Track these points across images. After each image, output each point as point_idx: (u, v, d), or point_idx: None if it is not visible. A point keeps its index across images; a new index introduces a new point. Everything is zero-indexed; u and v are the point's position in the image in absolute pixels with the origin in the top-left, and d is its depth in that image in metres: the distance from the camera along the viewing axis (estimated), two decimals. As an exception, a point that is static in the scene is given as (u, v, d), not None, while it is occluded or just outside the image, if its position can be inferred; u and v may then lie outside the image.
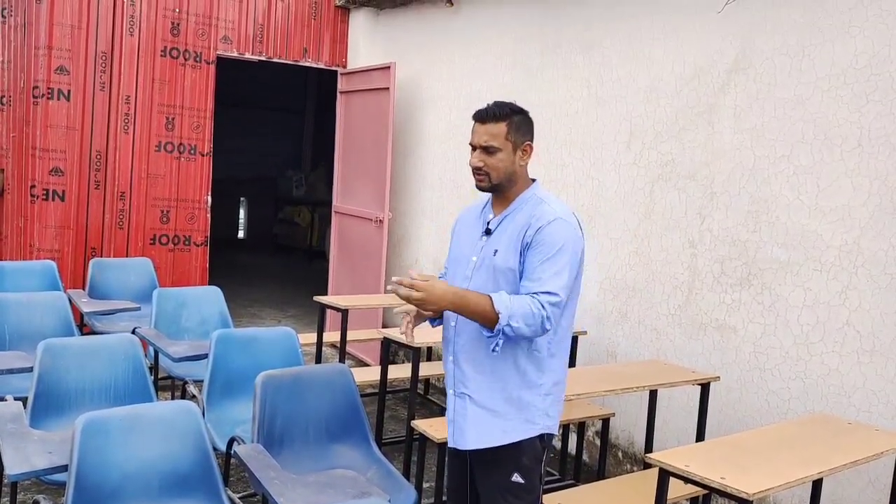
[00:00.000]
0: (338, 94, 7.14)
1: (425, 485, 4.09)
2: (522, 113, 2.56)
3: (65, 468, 2.65)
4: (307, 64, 7.01)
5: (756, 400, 3.92)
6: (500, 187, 2.55)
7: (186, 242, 6.46)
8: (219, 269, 7.51)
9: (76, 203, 6.00)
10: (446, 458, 2.81)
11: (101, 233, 6.12)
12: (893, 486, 3.13)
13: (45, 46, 5.80)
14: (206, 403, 3.76)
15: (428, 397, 5.92)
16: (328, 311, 5.11)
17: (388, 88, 6.32)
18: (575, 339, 4.59)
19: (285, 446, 3.22)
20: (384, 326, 5.95)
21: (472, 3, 5.96)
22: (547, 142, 5.01)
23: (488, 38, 5.77)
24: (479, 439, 2.52)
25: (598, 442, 4.59)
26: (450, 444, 2.63)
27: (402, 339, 2.55)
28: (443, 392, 4.95)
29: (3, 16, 6.19)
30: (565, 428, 4.62)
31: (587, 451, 4.80)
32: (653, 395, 4.01)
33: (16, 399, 3.32)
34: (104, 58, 6.00)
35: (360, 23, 7.06)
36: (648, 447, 4.08)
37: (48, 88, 5.82)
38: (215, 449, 3.16)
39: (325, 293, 6.69)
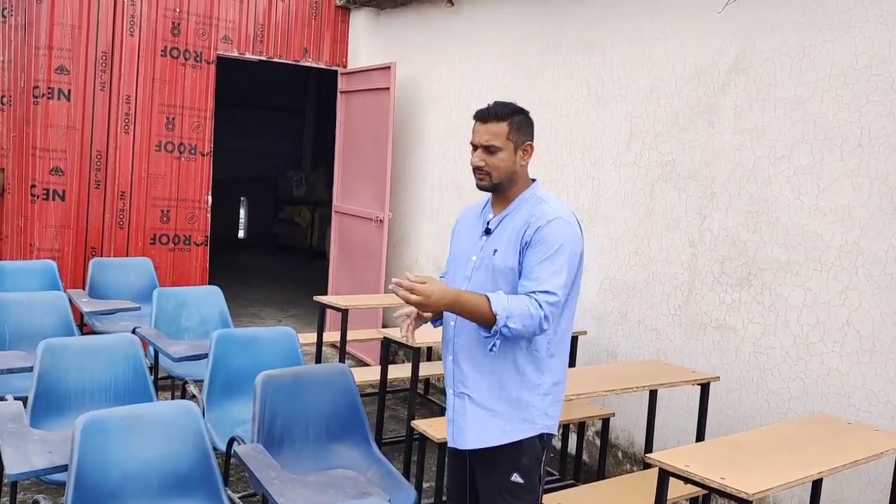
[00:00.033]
0: (338, 94, 7.14)
1: (425, 485, 4.09)
2: (523, 113, 2.56)
3: (65, 468, 2.65)
4: (307, 64, 7.01)
5: (756, 400, 3.92)
6: (501, 187, 2.55)
7: (187, 242, 6.46)
8: (219, 269, 7.51)
9: (76, 203, 6.00)
10: (446, 458, 2.81)
11: (102, 232, 6.12)
12: (893, 486, 3.13)
13: (45, 46, 5.80)
14: (206, 403, 3.76)
15: (428, 397, 5.92)
16: (328, 311, 5.11)
17: (388, 88, 6.32)
18: (575, 339, 4.59)
19: (285, 446, 3.22)
20: (384, 326, 5.95)
21: (472, 3, 5.96)
22: (547, 142, 5.01)
23: (489, 38, 5.77)
24: (478, 439, 2.52)
25: (598, 442, 4.60)
26: (449, 444, 2.63)
27: (403, 339, 2.55)
28: (443, 392, 4.95)
29: (3, 15, 6.19)
30: (565, 428, 4.62)
31: (587, 451, 4.80)
32: (653, 395, 4.01)
33: (16, 399, 3.32)
34: (104, 58, 6.00)
35: (361, 23, 7.07)
36: (648, 447, 4.08)
37: (48, 88, 5.82)
38: (215, 449, 3.16)
39: (325, 293, 6.70)
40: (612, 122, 4.75)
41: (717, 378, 3.89)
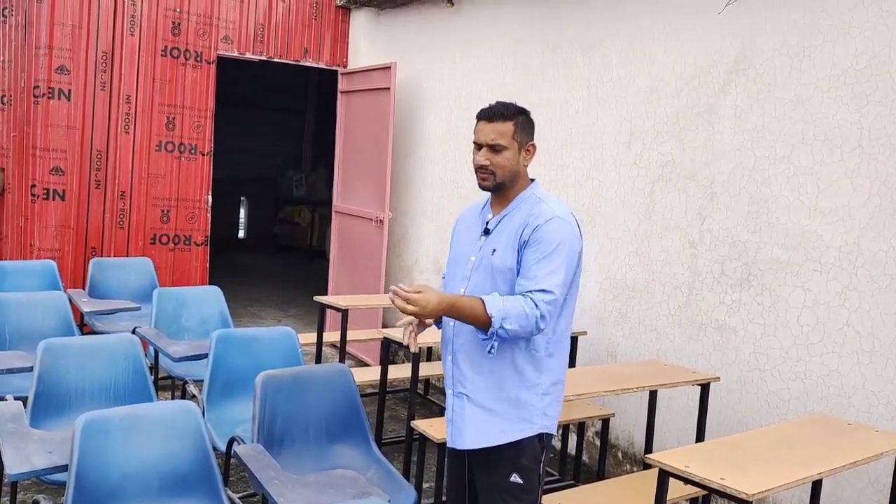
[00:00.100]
0: (338, 94, 7.14)
1: (425, 485, 4.09)
2: (526, 113, 2.57)
3: (65, 468, 2.65)
4: (308, 64, 7.01)
5: (756, 400, 3.92)
6: (503, 187, 2.55)
7: (187, 242, 6.47)
8: (219, 269, 7.51)
9: (76, 202, 6.00)
10: (446, 459, 2.81)
11: (102, 232, 6.12)
12: (893, 486, 3.13)
13: (45, 46, 5.80)
14: (206, 403, 3.76)
15: (428, 397, 5.92)
16: (328, 311, 5.11)
17: (388, 88, 6.32)
18: (575, 340, 4.59)
19: (285, 446, 3.22)
20: (384, 326, 5.95)
21: (472, 3, 5.96)
22: (547, 142, 5.01)
23: (489, 38, 5.77)
24: (476, 439, 2.52)
25: (597, 442, 4.60)
26: (448, 444, 2.64)
27: (402, 340, 2.56)
28: (443, 392, 4.95)
29: (3, 15, 6.19)
30: (565, 428, 4.62)
31: (587, 452, 4.80)
32: (653, 395, 4.01)
33: (16, 399, 3.32)
34: (105, 57, 6.00)
35: (361, 23, 7.07)
36: (648, 447, 4.07)
37: (49, 88, 5.83)
38: (215, 449, 3.16)
39: (325, 293, 6.70)
40: (612, 123, 4.75)
41: (717, 378, 3.89)
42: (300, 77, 12.65)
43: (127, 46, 6.07)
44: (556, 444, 4.71)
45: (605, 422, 4.35)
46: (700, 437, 3.86)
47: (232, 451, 3.13)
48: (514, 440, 2.49)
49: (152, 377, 3.78)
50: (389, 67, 6.33)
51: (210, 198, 6.51)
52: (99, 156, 6.05)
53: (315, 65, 7.06)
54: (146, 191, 6.25)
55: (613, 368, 4.23)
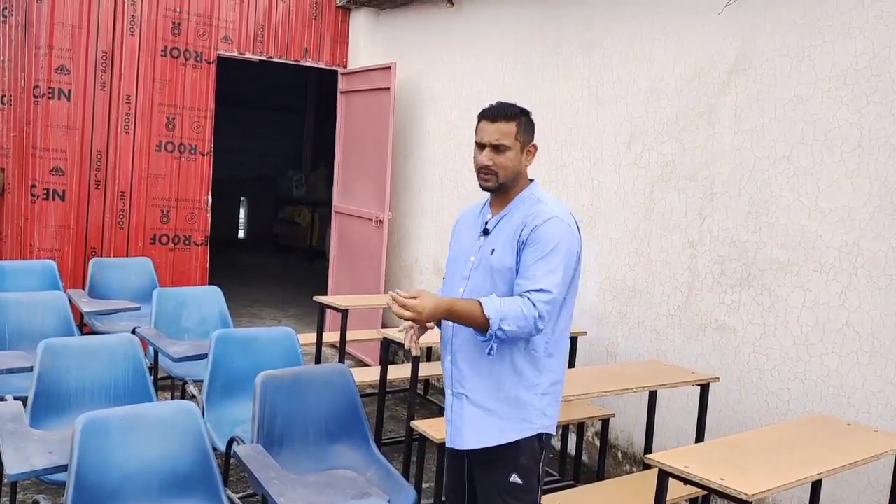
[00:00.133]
0: (338, 94, 7.14)
1: (425, 485, 4.09)
2: (528, 114, 2.58)
3: (65, 468, 2.65)
4: (307, 64, 7.01)
5: (755, 401, 3.93)
6: (505, 187, 2.56)
7: (186, 242, 6.47)
8: (219, 269, 7.51)
9: (76, 203, 6.00)
10: (445, 459, 2.82)
11: (102, 232, 6.12)
12: (893, 487, 3.13)
13: (45, 46, 5.80)
14: (205, 403, 3.76)
15: (428, 397, 5.92)
16: (328, 311, 5.11)
17: (388, 88, 6.32)
18: (574, 340, 4.59)
19: (285, 446, 3.22)
20: (384, 326, 5.95)
21: (472, 3, 5.96)
22: (547, 142, 5.01)
23: (489, 38, 5.77)
24: (475, 439, 2.52)
25: (597, 442, 4.60)
26: (448, 445, 2.64)
27: (404, 344, 2.56)
28: (442, 392, 4.95)
29: (3, 15, 6.19)
30: (565, 428, 4.62)
31: (587, 452, 4.80)
32: (652, 395, 4.01)
33: (16, 399, 3.32)
34: (105, 57, 6.00)
35: (361, 23, 7.07)
36: (648, 448, 4.08)
37: (49, 88, 5.83)
38: (215, 449, 3.16)
39: (325, 293, 6.70)
40: (612, 123, 4.75)
41: (717, 379, 3.89)
42: (300, 77, 12.65)
43: (127, 46, 6.08)
44: (556, 444, 4.72)
45: (605, 422, 4.35)
46: (700, 437, 3.86)
47: (232, 452, 3.12)
48: (513, 440, 2.49)
49: (152, 377, 3.78)
50: (389, 67, 6.33)
51: (210, 198, 6.51)
52: (99, 156, 6.05)
53: (315, 65, 7.06)
54: (146, 191, 6.25)
55: (613, 369, 4.23)
